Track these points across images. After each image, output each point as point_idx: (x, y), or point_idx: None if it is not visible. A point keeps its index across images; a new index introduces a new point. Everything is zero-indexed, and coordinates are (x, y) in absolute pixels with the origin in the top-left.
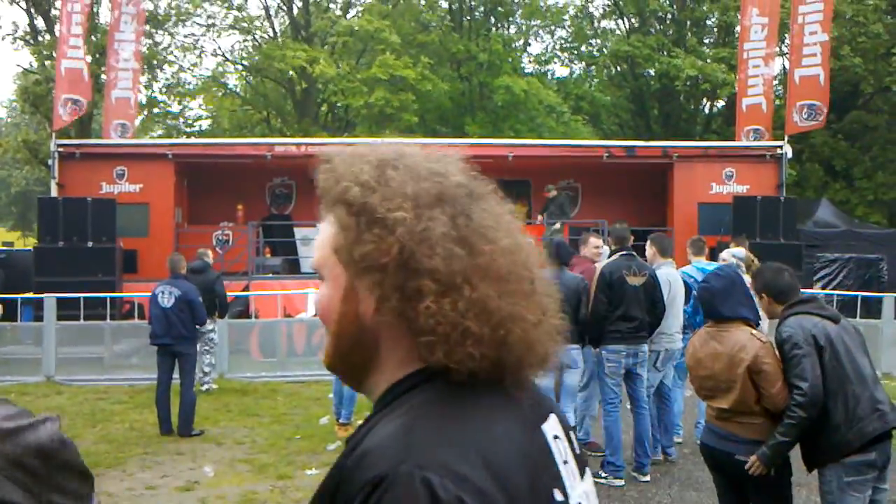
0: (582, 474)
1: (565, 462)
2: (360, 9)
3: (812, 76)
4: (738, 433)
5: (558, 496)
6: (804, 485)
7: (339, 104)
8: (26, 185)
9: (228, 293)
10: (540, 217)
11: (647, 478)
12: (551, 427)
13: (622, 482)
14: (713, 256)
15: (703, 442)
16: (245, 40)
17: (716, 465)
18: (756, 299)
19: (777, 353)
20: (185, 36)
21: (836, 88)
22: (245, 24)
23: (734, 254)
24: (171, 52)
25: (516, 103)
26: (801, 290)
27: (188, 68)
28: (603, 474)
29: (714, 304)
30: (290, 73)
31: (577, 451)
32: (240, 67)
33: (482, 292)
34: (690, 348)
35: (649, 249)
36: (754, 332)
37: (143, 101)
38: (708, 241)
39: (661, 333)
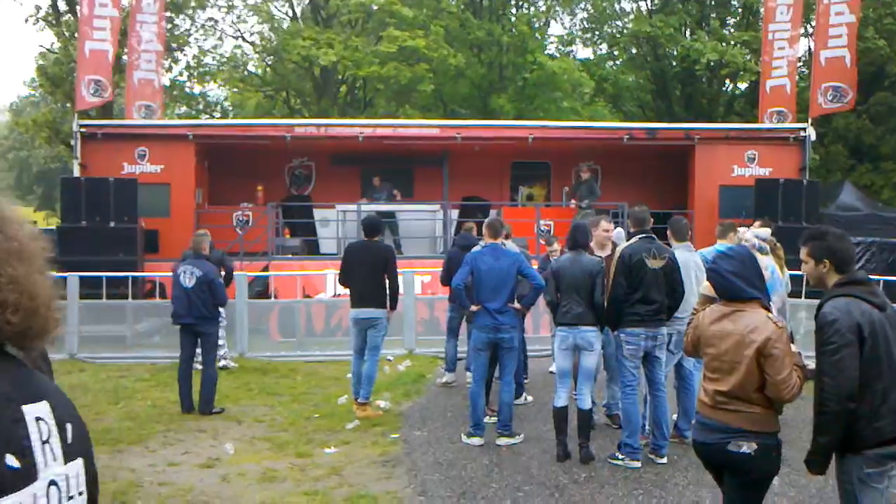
0: (67, 461)
1: (45, 442)
2: None
3: (838, 58)
4: (730, 422)
5: (12, 462)
6: None
7: (356, 84)
8: (45, 164)
9: (248, 273)
10: (573, 202)
11: (664, 460)
12: (38, 409)
13: (639, 464)
14: None
15: (697, 440)
16: (262, 22)
17: (710, 461)
18: (810, 264)
19: (788, 338)
20: (207, 20)
21: (861, 70)
22: (264, 8)
23: (757, 234)
24: (191, 35)
25: (545, 82)
26: None
27: (209, 51)
28: (620, 456)
29: (724, 284)
30: (302, 61)
31: (70, 441)
32: (259, 49)
33: (19, 270)
34: (698, 323)
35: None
36: (770, 315)
37: (166, 84)
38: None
39: (673, 316)
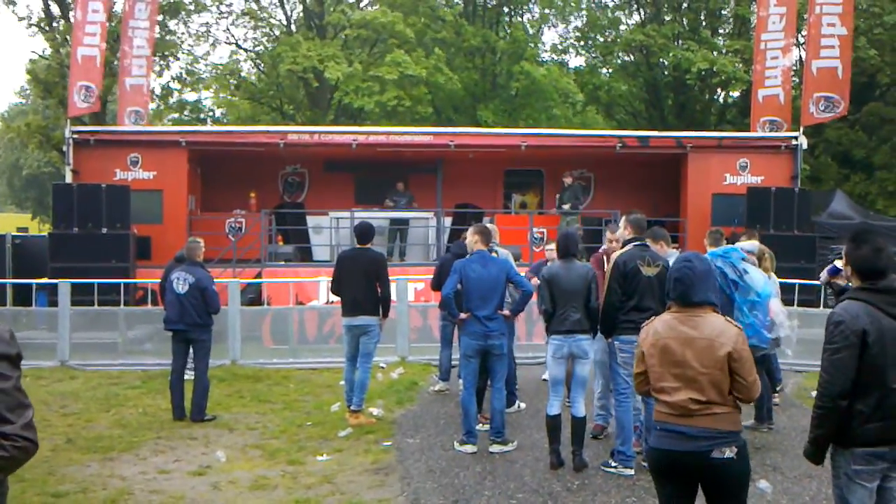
0: None
1: None
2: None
3: (830, 68)
4: (713, 426)
5: None
6: (815, 476)
7: (352, 104)
8: (38, 168)
9: (241, 280)
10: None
11: None
12: None
13: (632, 472)
14: None
15: (665, 448)
16: (257, 26)
17: (683, 471)
18: (846, 270)
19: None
20: (200, 25)
21: (852, 80)
22: (259, 13)
23: (743, 247)
24: (184, 41)
25: (534, 91)
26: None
27: (202, 57)
28: (613, 463)
29: (694, 286)
30: (302, 73)
31: None
32: (253, 56)
33: None
34: (650, 336)
35: (653, 244)
36: (728, 318)
37: (157, 90)
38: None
39: None
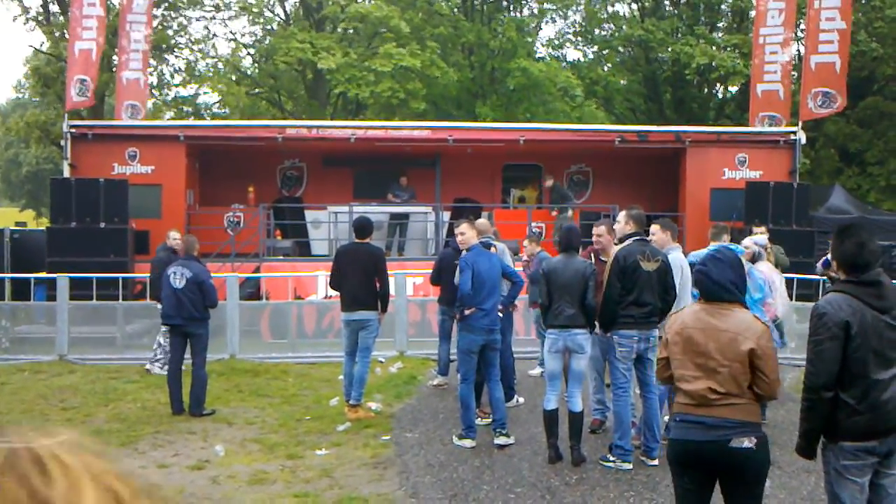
0: None
1: None
2: None
3: (828, 63)
4: (731, 416)
5: None
6: (812, 471)
7: (346, 93)
8: (37, 164)
9: (239, 274)
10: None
11: (656, 462)
12: None
13: (630, 466)
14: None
15: (685, 438)
16: (255, 21)
17: (703, 461)
18: (833, 264)
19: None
20: (198, 19)
21: (852, 74)
22: (255, 8)
23: (756, 241)
24: (184, 37)
25: (531, 86)
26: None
27: (202, 55)
28: (611, 458)
29: (712, 287)
30: (296, 64)
31: None
32: (251, 51)
33: None
34: (676, 325)
35: (661, 234)
36: (755, 314)
37: (155, 83)
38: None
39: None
